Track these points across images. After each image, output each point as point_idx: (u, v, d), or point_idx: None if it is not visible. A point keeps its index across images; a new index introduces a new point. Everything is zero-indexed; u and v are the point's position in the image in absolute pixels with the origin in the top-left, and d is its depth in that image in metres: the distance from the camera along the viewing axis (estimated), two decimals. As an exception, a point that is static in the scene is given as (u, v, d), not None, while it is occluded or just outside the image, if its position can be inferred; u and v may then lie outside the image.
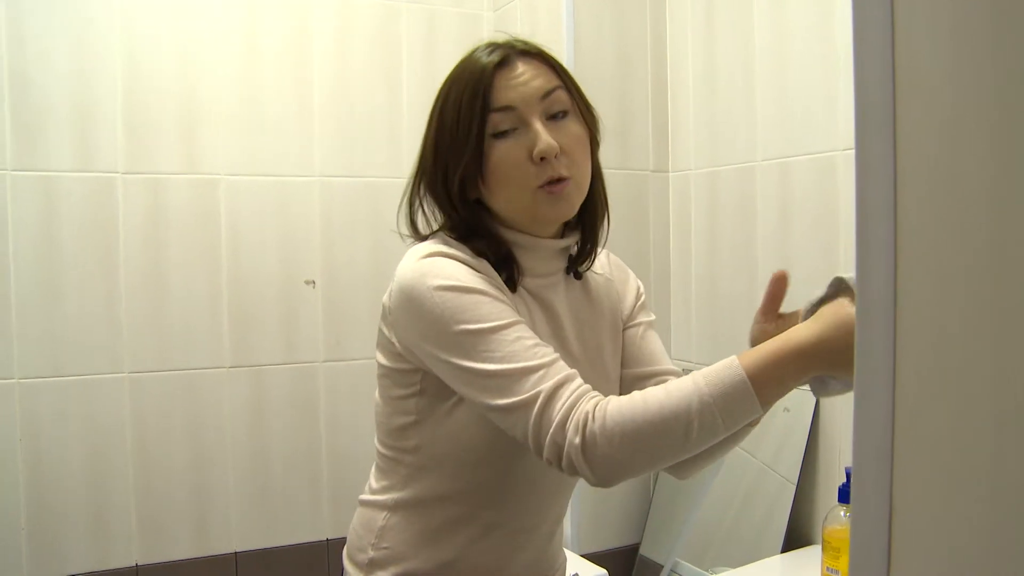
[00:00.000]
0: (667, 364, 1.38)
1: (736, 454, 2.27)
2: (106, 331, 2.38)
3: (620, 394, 1.26)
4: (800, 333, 1.01)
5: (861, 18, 0.49)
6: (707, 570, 2.24)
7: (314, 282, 2.59)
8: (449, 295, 1.08)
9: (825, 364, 1.00)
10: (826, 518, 1.79)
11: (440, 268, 1.11)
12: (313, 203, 2.58)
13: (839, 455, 2.05)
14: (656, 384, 1.20)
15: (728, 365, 1.01)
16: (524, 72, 1.16)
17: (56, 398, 2.33)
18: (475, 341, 1.06)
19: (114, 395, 2.39)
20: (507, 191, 1.17)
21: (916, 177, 0.47)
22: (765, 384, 1.00)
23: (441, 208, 1.22)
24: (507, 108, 1.15)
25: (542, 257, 1.24)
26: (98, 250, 2.36)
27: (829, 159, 2.06)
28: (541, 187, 1.15)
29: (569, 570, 1.46)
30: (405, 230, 1.26)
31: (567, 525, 2.45)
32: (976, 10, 0.47)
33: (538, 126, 1.14)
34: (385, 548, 1.26)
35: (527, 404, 1.03)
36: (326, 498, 2.62)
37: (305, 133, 2.58)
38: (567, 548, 2.39)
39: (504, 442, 1.12)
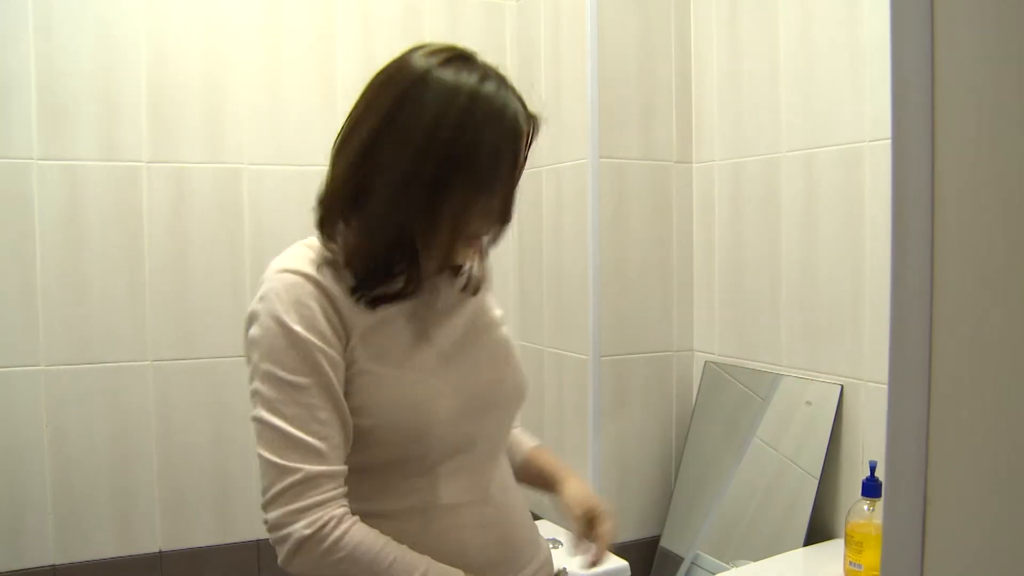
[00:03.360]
0: None
1: (758, 447, 2.27)
2: (130, 319, 2.40)
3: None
4: None
5: (899, 8, 0.48)
6: (728, 563, 2.23)
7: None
8: (279, 331, 1.10)
9: None
10: (849, 512, 1.78)
11: (294, 295, 1.12)
12: (336, 193, 2.58)
13: (862, 449, 2.04)
14: None
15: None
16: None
17: (81, 385, 2.35)
18: (271, 381, 1.10)
19: (138, 383, 2.41)
20: (434, 248, 1.17)
21: (955, 170, 0.47)
22: None
23: (401, 218, 1.15)
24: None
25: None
26: (123, 238, 2.38)
27: (855, 150, 2.04)
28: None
29: (558, 564, 1.43)
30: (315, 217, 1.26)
31: (588, 516, 2.45)
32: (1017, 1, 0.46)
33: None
34: None
35: (286, 472, 1.07)
36: (347, 487, 2.63)
37: (328, 123, 2.58)
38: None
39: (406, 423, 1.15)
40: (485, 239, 1.21)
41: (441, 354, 1.22)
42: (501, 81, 1.17)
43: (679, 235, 2.58)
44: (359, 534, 1.08)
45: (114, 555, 2.39)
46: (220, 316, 2.48)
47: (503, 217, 1.18)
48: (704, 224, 2.56)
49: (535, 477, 1.42)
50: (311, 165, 2.56)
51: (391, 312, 1.18)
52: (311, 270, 1.15)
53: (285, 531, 1.06)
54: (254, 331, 1.13)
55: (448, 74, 1.13)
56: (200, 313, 2.46)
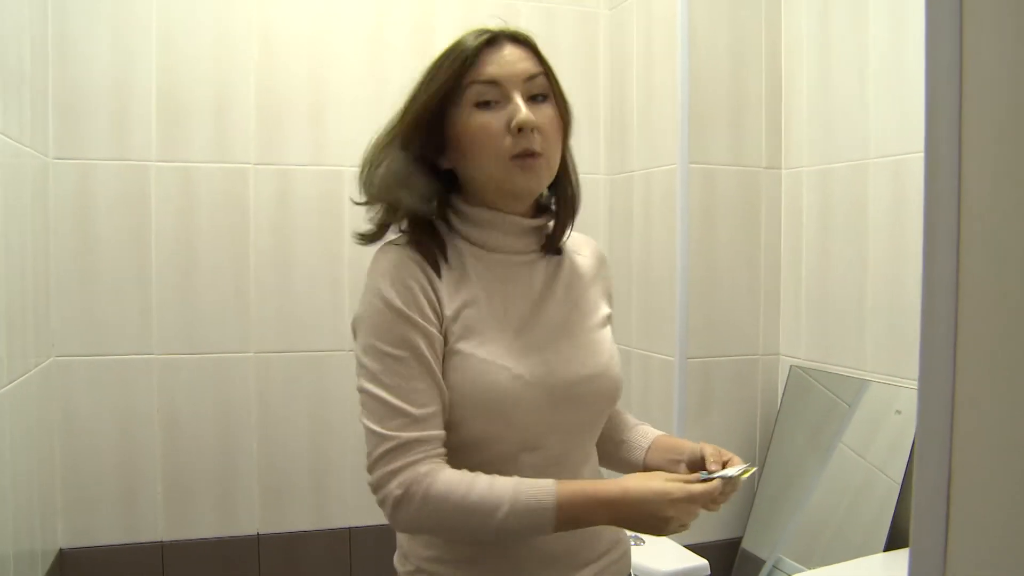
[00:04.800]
0: None
1: (844, 453, 2.27)
2: (236, 312, 2.53)
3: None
4: (614, 487, 1.15)
5: (933, 26, 0.53)
6: (811, 568, 2.23)
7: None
8: (383, 308, 1.20)
9: (624, 522, 1.16)
10: (931, 519, 1.78)
11: (396, 274, 1.21)
12: (432, 195, 2.67)
13: (948, 457, 2.02)
14: None
15: (547, 492, 1.14)
16: (511, 53, 1.24)
17: (189, 374, 2.50)
18: (374, 355, 1.19)
19: (241, 373, 2.54)
20: (482, 158, 1.22)
21: (980, 174, 0.51)
22: (567, 520, 1.14)
23: (412, 172, 1.25)
24: (491, 82, 1.22)
25: (512, 234, 1.29)
26: (230, 236, 2.52)
27: (946, 158, 2.03)
28: (514, 158, 1.21)
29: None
30: (359, 197, 1.32)
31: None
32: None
33: (519, 100, 1.21)
34: (419, 538, 1.31)
35: (384, 439, 1.16)
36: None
37: (425, 128, 2.67)
38: (670, 538, 2.43)
39: (498, 400, 1.20)
40: (538, 158, 1.22)
41: (525, 341, 1.25)
42: (480, 30, 1.26)
43: (767, 240, 2.60)
44: (442, 486, 1.14)
45: (217, 535, 2.53)
46: (320, 311, 2.59)
47: (510, 114, 1.21)
48: (792, 229, 2.57)
49: (665, 451, 1.41)
50: (408, 168, 2.66)
51: (481, 294, 1.25)
52: (412, 250, 1.24)
53: (383, 492, 1.15)
54: (361, 309, 1.23)
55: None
56: (301, 308, 2.58)
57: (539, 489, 1.14)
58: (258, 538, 2.57)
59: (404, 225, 1.29)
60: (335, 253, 2.60)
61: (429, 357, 1.19)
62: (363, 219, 2.58)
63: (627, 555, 1.40)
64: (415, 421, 1.16)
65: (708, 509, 1.19)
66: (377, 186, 1.28)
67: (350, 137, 2.60)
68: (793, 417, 2.51)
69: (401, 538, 1.33)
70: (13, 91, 1.98)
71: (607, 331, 1.38)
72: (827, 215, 2.44)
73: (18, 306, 1.99)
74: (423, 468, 1.15)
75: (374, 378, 1.18)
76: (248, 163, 2.52)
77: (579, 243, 1.41)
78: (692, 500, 1.15)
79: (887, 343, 2.23)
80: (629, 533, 1.44)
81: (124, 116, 2.41)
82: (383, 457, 1.16)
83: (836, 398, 2.36)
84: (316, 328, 2.60)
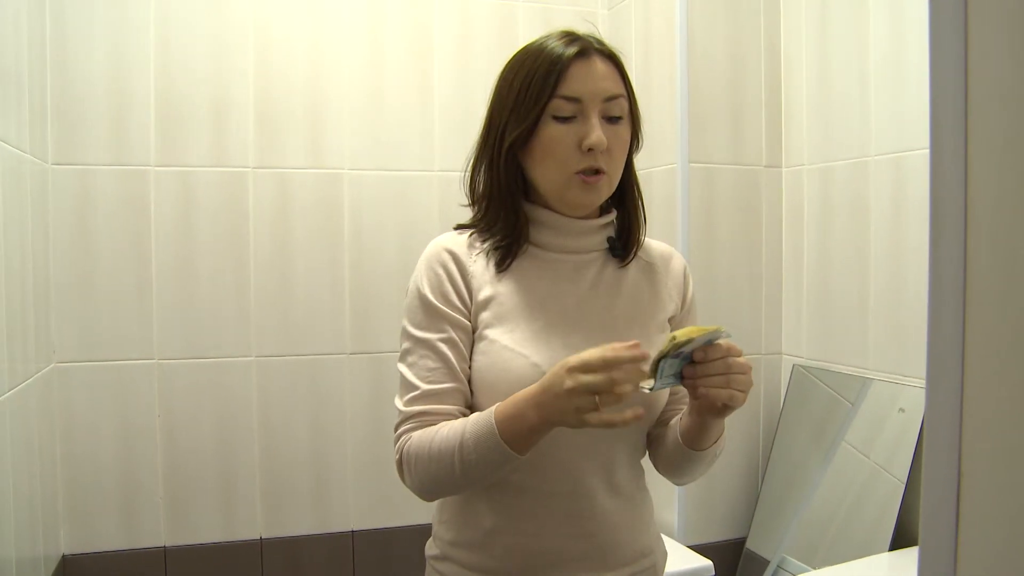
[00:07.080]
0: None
1: (847, 452, 2.26)
2: (236, 317, 2.53)
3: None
4: (537, 383, 1.15)
5: (937, 20, 0.53)
6: (815, 568, 2.23)
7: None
8: (415, 294, 1.30)
9: (548, 412, 1.11)
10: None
11: (429, 263, 1.30)
12: (432, 197, 2.68)
13: (953, 455, 2.02)
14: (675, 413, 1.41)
15: (489, 411, 1.17)
16: (597, 70, 1.26)
17: (190, 378, 2.49)
18: (406, 336, 1.30)
19: (242, 377, 2.54)
20: (548, 168, 1.27)
21: (986, 173, 0.50)
22: (509, 430, 1.14)
23: (488, 168, 1.33)
24: (573, 99, 1.24)
25: (568, 235, 1.33)
26: (230, 241, 2.51)
27: (947, 155, 2.02)
28: (578, 173, 1.25)
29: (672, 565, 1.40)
30: (466, 194, 1.38)
31: (674, 516, 2.48)
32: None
33: (595, 121, 1.24)
34: (444, 521, 1.36)
35: (400, 413, 1.27)
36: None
37: (426, 130, 2.67)
38: (674, 539, 2.43)
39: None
40: (600, 177, 1.26)
41: (556, 336, 1.26)
42: (570, 36, 1.29)
43: (768, 238, 2.59)
44: (414, 443, 1.22)
45: (219, 540, 2.53)
46: (320, 314, 2.59)
47: (583, 133, 1.24)
48: (793, 227, 2.57)
49: (690, 415, 1.34)
50: (408, 170, 2.66)
51: (520, 287, 1.29)
52: (450, 242, 1.32)
53: (396, 463, 1.26)
54: (406, 297, 1.33)
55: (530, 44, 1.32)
56: (302, 311, 2.58)
57: (483, 414, 1.18)
58: (260, 543, 2.56)
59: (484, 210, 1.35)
60: (335, 256, 2.60)
61: (445, 340, 1.26)
62: (364, 222, 2.59)
63: (652, 570, 1.37)
64: (424, 395, 1.24)
65: (629, 378, 1.08)
66: (480, 192, 1.36)
67: (348, 140, 2.60)
68: (796, 416, 2.50)
69: (433, 524, 1.39)
70: (12, 97, 1.98)
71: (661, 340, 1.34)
72: (828, 213, 2.43)
73: (18, 312, 1.98)
74: (410, 434, 1.24)
75: (402, 357, 1.29)
76: (247, 167, 2.52)
77: (655, 251, 1.43)
78: (588, 363, 1.07)
79: (890, 341, 2.22)
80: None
81: (123, 121, 2.41)
82: (395, 429, 1.26)
83: (839, 397, 2.35)
84: (317, 331, 2.59)
